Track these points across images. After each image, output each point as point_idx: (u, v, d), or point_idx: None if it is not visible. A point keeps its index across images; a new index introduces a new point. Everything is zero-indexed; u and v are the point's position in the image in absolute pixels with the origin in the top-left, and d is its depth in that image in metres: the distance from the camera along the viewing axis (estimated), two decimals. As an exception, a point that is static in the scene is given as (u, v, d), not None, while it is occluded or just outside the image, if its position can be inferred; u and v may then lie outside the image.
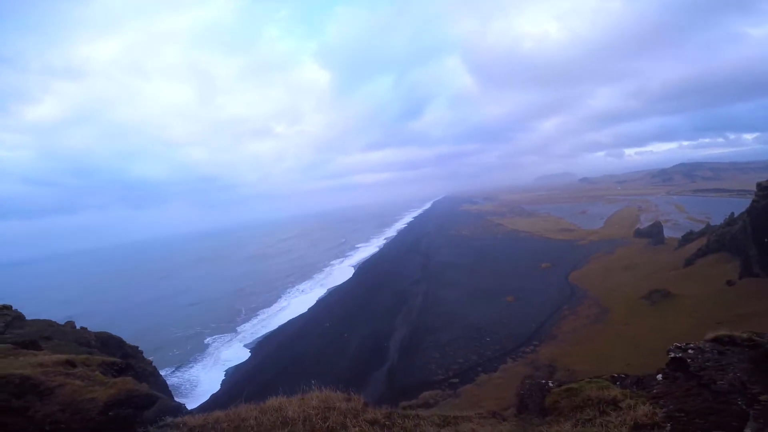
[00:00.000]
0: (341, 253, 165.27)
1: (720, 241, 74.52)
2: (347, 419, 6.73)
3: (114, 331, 36.06)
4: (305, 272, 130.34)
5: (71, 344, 27.25)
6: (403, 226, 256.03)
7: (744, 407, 5.15)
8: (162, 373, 44.48)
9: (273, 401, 7.47)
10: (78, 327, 33.88)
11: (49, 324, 30.87)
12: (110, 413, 9.58)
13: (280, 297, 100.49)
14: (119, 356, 24.79)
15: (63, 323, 33.33)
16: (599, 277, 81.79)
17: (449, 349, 55.14)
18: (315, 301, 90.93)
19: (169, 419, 7.72)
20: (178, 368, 61.55)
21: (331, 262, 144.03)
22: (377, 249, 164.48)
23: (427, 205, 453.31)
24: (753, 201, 63.61)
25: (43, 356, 14.96)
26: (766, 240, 57.20)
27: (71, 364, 13.37)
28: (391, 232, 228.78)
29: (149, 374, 29.92)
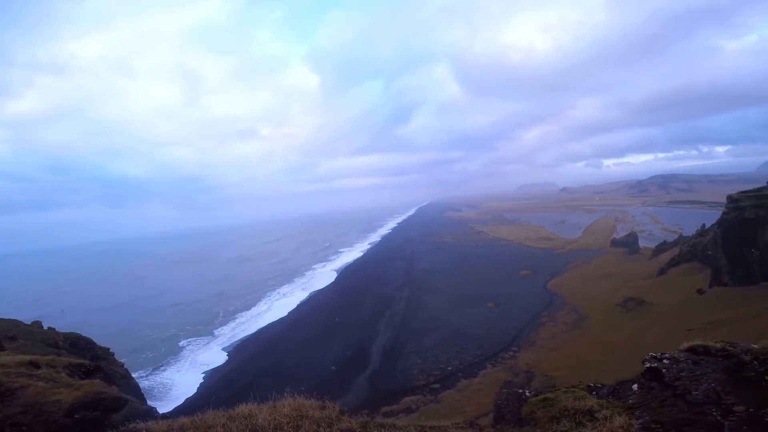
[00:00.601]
0: (324, 258, 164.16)
1: (692, 251, 77.00)
2: (321, 428, 6.49)
3: (87, 333, 34.84)
4: (287, 276, 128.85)
5: (38, 345, 26.19)
6: (388, 231, 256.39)
7: (719, 418, 5.20)
8: (135, 375, 43.15)
9: (243, 408, 7.16)
10: (46, 327, 32.59)
11: (15, 324, 29.62)
12: (76, 416, 9.13)
13: (261, 300, 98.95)
14: (89, 358, 23.89)
15: (30, 323, 32.03)
16: (577, 285, 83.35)
17: (431, 354, 55.18)
18: (296, 305, 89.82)
19: (132, 425, 7.38)
20: (153, 371, 59.78)
21: (314, 266, 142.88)
22: (361, 254, 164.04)
23: (412, 212, 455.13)
24: (723, 213, 65.99)
25: (5, 357, 14.24)
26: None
27: (35, 365, 12.75)
28: (376, 237, 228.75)
29: (120, 377, 28.97)
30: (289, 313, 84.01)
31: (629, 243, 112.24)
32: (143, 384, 48.94)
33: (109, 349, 34.53)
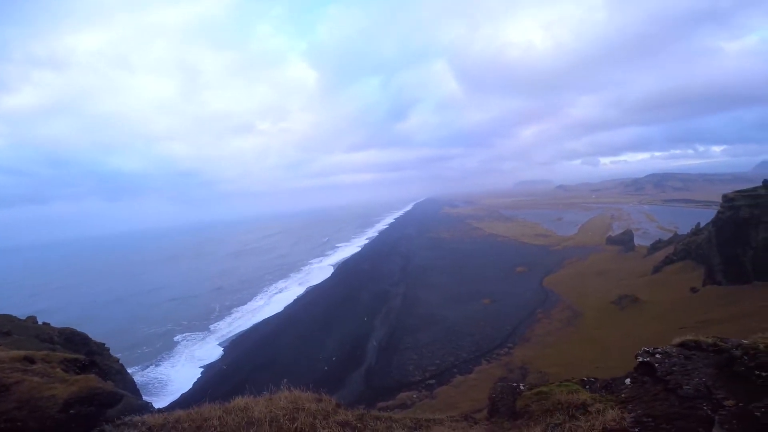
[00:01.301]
0: (322, 253, 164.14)
1: (686, 249, 77.53)
2: (317, 420, 6.53)
3: (83, 328, 34.65)
4: (284, 271, 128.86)
5: (32, 340, 26.04)
6: (385, 227, 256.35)
7: (709, 412, 5.26)
8: (130, 371, 43.03)
9: (239, 401, 7.17)
10: (41, 322, 32.43)
11: (9, 319, 29.43)
12: (71, 411, 9.10)
13: (257, 295, 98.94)
14: (84, 353, 23.80)
15: (24, 318, 31.85)
16: (572, 282, 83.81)
17: (426, 350, 55.41)
18: (293, 300, 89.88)
19: (128, 418, 7.37)
20: (148, 366, 59.72)
21: (311, 262, 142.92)
22: (358, 249, 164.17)
23: (409, 207, 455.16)
24: (718, 212, 66.47)
25: (-1, 352, 14.17)
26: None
27: (30, 360, 12.69)
28: (373, 232, 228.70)
29: (115, 372, 28.85)
30: (285, 308, 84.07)
31: (625, 241, 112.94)
32: (139, 379, 48.87)
33: (104, 344, 34.33)
